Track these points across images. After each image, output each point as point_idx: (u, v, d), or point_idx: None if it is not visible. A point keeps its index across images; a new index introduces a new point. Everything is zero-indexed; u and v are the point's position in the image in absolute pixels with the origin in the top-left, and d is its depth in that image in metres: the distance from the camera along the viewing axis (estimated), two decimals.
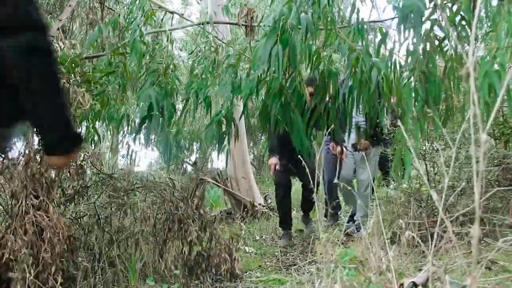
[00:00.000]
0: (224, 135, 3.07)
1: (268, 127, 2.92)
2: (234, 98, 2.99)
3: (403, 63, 2.28)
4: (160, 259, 2.88)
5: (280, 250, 4.02)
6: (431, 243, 1.39)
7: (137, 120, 3.20)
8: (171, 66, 3.26)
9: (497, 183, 3.41)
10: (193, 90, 3.15)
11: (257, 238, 4.57)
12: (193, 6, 15.10)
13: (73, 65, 2.86)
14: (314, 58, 2.69)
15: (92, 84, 3.05)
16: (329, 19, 2.41)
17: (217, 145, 3.11)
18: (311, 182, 2.11)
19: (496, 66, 1.64)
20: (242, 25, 4.29)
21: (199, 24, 3.76)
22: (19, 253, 2.28)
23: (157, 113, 2.97)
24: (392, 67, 2.34)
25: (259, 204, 5.95)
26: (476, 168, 0.85)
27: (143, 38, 3.12)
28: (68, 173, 2.85)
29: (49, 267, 2.35)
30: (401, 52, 2.28)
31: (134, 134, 3.30)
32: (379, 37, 2.45)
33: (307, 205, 4.56)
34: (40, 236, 2.40)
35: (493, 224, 2.26)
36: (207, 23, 3.53)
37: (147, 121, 3.04)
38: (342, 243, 2.77)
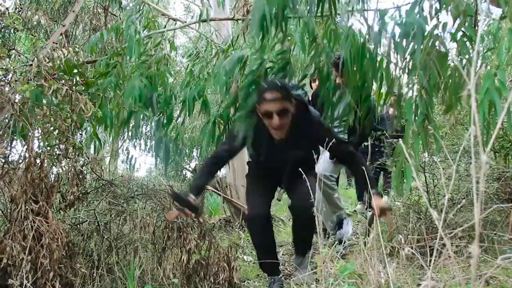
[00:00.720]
0: (221, 137, 3.05)
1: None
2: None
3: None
4: (159, 267, 2.88)
5: (279, 259, 4.00)
6: (430, 258, 1.40)
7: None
8: (163, 59, 3.21)
9: (496, 196, 3.42)
10: (190, 90, 3.13)
11: None
12: (195, 12, 15.17)
13: (74, 70, 2.87)
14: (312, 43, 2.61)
15: (89, 86, 3.06)
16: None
17: (213, 145, 3.09)
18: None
19: (496, 83, 1.66)
20: (237, 20, 4.27)
21: (196, 22, 3.76)
22: (18, 258, 2.28)
23: (142, 104, 2.93)
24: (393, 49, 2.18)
25: None
26: (476, 189, 0.85)
27: (138, 34, 3.09)
28: (68, 179, 2.85)
29: (47, 273, 2.34)
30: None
31: (121, 127, 3.25)
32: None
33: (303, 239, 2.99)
34: (39, 241, 2.40)
35: (492, 240, 2.26)
36: (204, 21, 3.54)
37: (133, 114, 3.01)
38: (341, 257, 2.77)
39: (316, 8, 2.35)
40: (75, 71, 2.86)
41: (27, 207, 2.44)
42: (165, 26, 4.52)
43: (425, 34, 1.89)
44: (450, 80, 2.00)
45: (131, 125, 3.30)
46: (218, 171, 2.99)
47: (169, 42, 3.55)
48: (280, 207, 6.87)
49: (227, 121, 3.04)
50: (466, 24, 1.90)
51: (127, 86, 3.04)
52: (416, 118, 1.98)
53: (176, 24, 4.42)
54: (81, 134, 3.26)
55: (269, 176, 2.96)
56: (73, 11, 4.09)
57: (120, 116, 3.34)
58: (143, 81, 3.00)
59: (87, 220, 3.03)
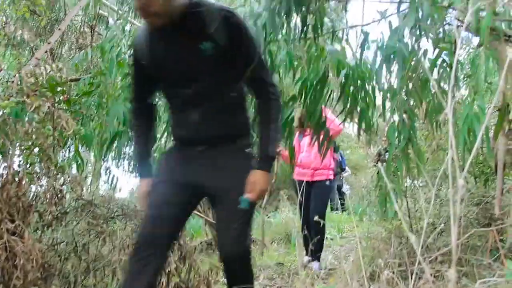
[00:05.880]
0: None
1: None
2: None
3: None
4: None
5: (260, 283, 3.96)
6: (410, 282, 1.39)
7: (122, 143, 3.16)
8: None
9: (476, 221, 3.44)
10: None
11: None
12: None
13: (58, 87, 2.85)
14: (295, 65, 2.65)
15: (71, 104, 3.03)
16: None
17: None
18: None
19: (476, 109, 1.69)
20: None
21: None
22: None
23: (128, 129, 2.92)
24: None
25: None
26: (453, 211, 0.86)
27: (120, 56, 3.09)
28: (47, 198, 2.79)
29: None
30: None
31: (104, 152, 3.22)
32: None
33: None
34: (13, 262, 2.33)
35: (472, 264, 2.28)
36: None
37: (117, 138, 2.99)
38: (322, 279, 2.75)
39: (300, 32, 2.39)
40: (58, 88, 2.84)
41: (2, 226, 2.37)
42: None
43: (406, 58, 1.93)
44: (431, 106, 2.04)
45: (114, 146, 3.26)
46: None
47: None
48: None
49: None
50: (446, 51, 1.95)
51: (111, 109, 3.02)
52: (399, 143, 2.00)
53: None
54: (63, 152, 3.22)
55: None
56: (59, 29, 4.09)
57: (102, 135, 3.31)
58: (127, 106, 2.98)
59: (64, 241, 2.96)
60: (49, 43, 3.91)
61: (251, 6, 2.45)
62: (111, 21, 6.07)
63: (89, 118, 3.25)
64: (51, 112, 2.69)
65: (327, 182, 4.30)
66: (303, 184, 3.70)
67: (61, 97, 2.91)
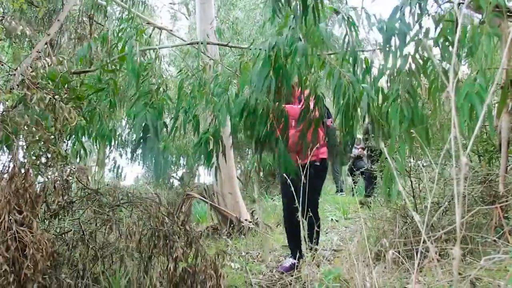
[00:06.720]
0: (211, 153, 3.08)
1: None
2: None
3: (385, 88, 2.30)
4: (145, 276, 2.85)
5: (266, 266, 4.00)
6: (416, 261, 1.40)
7: (128, 137, 3.19)
8: (162, 87, 3.26)
9: (481, 199, 3.46)
10: (182, 110, 3.17)
11: (243, 254, 4.55)
12: (181, 20, 15.24)
13: (63, 81, 2.85)
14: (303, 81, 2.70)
15: (81, 100, 3.04)
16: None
17: (205, 162, 3.10)
18: None
19: (477, 87, 1.68)
20: (232, 47, 4.35)
21: (191, 43, 3.79)
22: (0, 270, 2.24)
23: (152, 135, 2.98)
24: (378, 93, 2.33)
25: (246, 220, 5.94)
26: (456, 190, 0.86)
27: (136, 57, 3.12)
28: (53, 188, 2.82)
29: (31, 284, 2.31)
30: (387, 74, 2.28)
31: (130, 155, 3.27)
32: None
33: None
34: (23, 252, 2.37)
35: (477, 243, 2.29)
36: (201, 43, 3.55)
37: (142, 141, 3.05)
38: (327, 260, 2.78)
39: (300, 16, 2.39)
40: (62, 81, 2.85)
41: (10, 217, 2.40)
42: (151, 34, 4.52)
43: (407, 39, 1.92)
44: (434, 85, 2.03)
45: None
46: None
47: (155, 55, 3.56)
48: (268, 214, 6.87)
49: (217, 138, 3.06)
50: (448, 30, 1.93)
51: (131, 113, 3.06)
52: (402, 123, 2.00)
53: (162, 31, 4.43)
54: (66, 143, 3.23)
55: None
56: (58, 20, 4.05)
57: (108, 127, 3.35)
58: (150, 111, 3.01)
59: (72, 230, 3.00)
60: (48, 35, 3.89)
61: None
62: (109, 10, 6.03)
63: (103, 115, 3.26)
64: (52, 104, 2.69)
65: (318, 163, 3.72)
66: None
67: (61, 90, 2.91)
